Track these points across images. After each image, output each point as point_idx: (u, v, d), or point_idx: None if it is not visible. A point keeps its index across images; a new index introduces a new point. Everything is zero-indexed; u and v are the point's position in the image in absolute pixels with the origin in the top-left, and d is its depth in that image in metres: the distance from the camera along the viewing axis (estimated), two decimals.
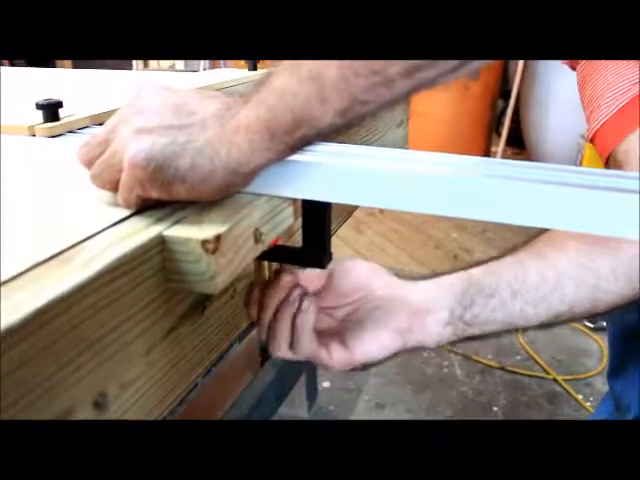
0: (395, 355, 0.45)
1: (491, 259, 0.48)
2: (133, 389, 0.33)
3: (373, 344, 0.44)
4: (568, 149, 2.43)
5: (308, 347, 0.43)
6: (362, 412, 1.30)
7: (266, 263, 0.46)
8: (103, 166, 0.36)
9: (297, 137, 0.34)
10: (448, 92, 2.54)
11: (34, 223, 0.35)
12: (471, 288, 0.45)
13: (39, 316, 0.26)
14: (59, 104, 0.47)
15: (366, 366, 0.45)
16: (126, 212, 0.36)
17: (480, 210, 0.35)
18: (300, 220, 0.44)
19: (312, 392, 1.31)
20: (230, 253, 0.35)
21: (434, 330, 0.44)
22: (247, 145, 0.34)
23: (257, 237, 0.38)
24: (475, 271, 0.46)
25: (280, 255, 0.44)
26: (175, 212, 0.36)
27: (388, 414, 1.29)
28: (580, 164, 2.34)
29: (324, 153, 0.40)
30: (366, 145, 0.70)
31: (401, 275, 0.47)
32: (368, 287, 0.45)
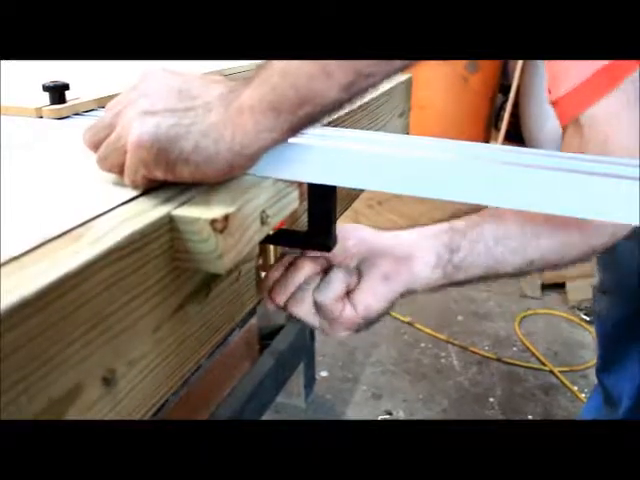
0: (392, 304, 0.46)
1: (469, 213, 0.50)
2: (141, 366, 0.33)
3: (369, 295, 0.45)
4: None
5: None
6: (359, 402, 1.31)
7: (271, 247, 0.47)
8: (109, 149, 0.37)
9: (301, 115, 0.34)
10: (448, 86, 2.53)
11: (44, 202, 0.35)
12: (456, 235, 0.47)
13: (51, 291, 0.26)
14: (66, 86, 0.47)
15: (369, 322, 0.46)
16: (135, 192, 0.36)
17: (479, 195, 0.36)
18: (304, 205, 0.44)
19: (310, 381, 1.32)
20: (237, 233, 0.35)
21: (423, 273, 0.46)
22: (251, 126, 0.34)
23: (263, 219, 0.39)
24: (457, 222, 0.49)
25: (286, 239, 0.44)
26: (184, 192, 0.37)
27: (385, 404, 1.30)
28: None
29: (329, 137, 0.41)
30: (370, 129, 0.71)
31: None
32: (344, 250, 0.47)
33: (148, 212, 0.34)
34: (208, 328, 0.40)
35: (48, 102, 0.47)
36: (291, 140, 0.39)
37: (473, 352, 1.47)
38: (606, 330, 0.91)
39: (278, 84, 0.33)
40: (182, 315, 0.37)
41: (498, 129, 2.71)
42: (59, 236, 0.30)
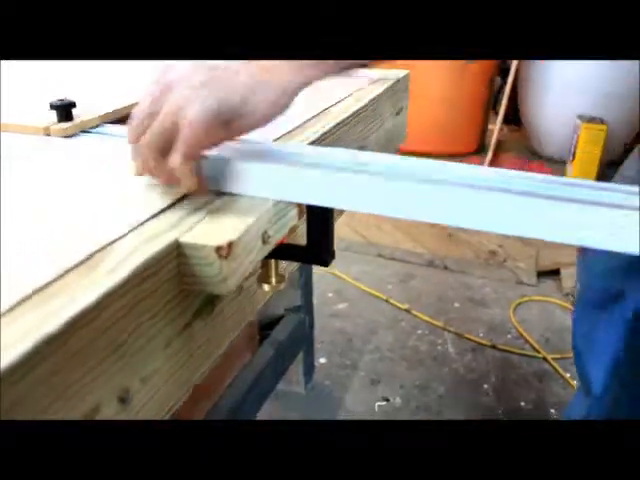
0: None
1: None
2: (153, 381, 0.36)
3: None
4: (564, 129, 2.44)
5: None
6: (357, 388, 1.35)
7: (272, 260, 0.49)
8: (158, 131, 0.39)
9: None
10: (446, 70, 2.53)
11: (57, 226, 0.37)
12: None
13: (70, 327, 0.28)
14: (72, 104, 0.49)
15: None
16: (143, 214, 0.38)
17: (471, 220, 0.38)
18: (302, 218, 0.46)
19: (309, 369, 1.35)
20: (241, 257, 0.37)
21: None
22: (288, 69, 0.39)
23: (265, 239, 0.41)
24: None
25: (286, 253, 0.46)
26: (189, 215, 0.39)
27: (382, 390, 1.33)
28: (576, 144, 2.35)
29: (326, 158, 0.43)
30: (367, 134, 0.72)
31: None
32: None
33: (157, 238, 0.36)
34: (213, 340, 0.43)
35: (55, 120, 0.49)
36: (290, 164, 0.41)
37: (468, 339, 1.50)
38: (580, 315, 0.94)
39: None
40: (189, 331, 0.39)
41: (497, 112, 2.71)
42: (76, 266, 0.32)
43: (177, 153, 0.39)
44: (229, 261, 0.36)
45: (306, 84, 0.40)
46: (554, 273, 1.75)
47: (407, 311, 1.61)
